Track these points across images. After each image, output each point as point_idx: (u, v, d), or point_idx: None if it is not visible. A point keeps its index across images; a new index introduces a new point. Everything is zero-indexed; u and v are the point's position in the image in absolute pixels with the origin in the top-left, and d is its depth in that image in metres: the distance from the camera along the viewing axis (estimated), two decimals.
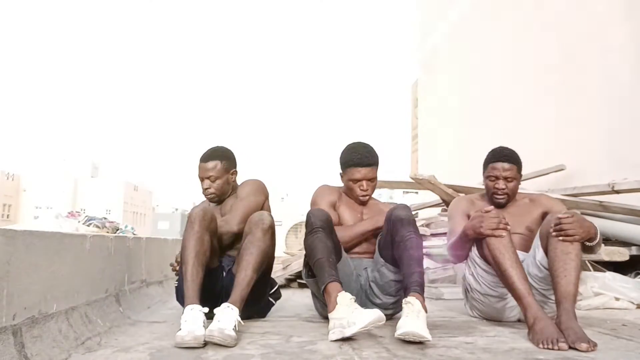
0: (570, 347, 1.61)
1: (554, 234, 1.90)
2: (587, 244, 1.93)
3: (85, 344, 1.65)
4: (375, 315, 1.71)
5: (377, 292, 2.22)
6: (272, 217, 2.10)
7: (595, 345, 1.60)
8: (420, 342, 1.69)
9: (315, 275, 2.02)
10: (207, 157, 2.34)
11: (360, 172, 2.31)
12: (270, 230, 2.06)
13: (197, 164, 2.36)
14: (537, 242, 2.05)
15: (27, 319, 1.45)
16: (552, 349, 1.61)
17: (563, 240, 1.88)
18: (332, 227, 2.08)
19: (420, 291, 1.84)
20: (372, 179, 2.34)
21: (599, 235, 1.95)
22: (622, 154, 3.96)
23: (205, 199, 2.41)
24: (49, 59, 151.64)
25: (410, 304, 1.76)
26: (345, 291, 1.84)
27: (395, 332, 1.71)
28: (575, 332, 1.65)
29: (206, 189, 2.32)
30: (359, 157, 2.32)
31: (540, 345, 1.64)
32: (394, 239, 2.03)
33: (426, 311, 1.77)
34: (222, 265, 2.23)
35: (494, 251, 1.92)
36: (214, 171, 2.31)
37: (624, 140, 3.96)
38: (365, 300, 2.23)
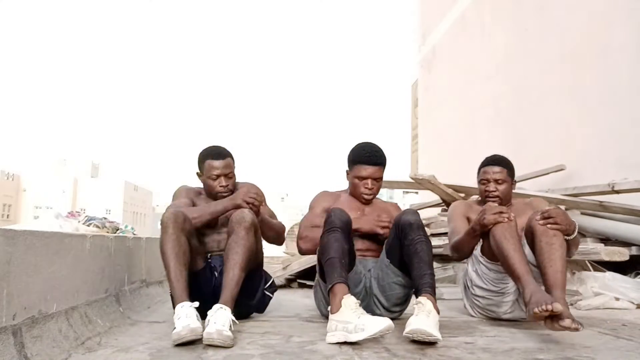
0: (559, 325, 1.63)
1: (540, 222, 1.94)
2: (566, 237, 1.96)
3: (85, 344, 1.65)
4: (386, 323, 1.66)
5: (376, 292, 2.21)
6: (252, 214, 2.08)
7: (580, 324, 1.63)
8: (429, 343, 1.67)
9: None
10: (221, 154, 2.30)
11: (367, 170, 2.33)
12: (253, 227, 2.05)
13: (207, 163, 2.28)
14: (522, 241, 2.08)
15: (27, 319, 1.45)
16: (546, 310, 1.63)
17: (551, 228, 1.92)
18: (350, 230, 2.06)
19: (432, 292, 1.84)
20: (378, 179, 2.36)
21: (576, 232, 1.99)
22: (622, 154, 3.96)
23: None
24: (50, 59, 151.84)
25: (421, 303, 1.75)
26: (352, 294, 1.81)
27: (403, 331, 1.69)
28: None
29: (226, 185, 2.29)
30: (367, 155, 2.33)
31: (536, 309, 1.65)
32: (402, 243, 2.02)
33: (438, 312, 1.76)
34: (214, 266, 2.22)
35: (499, 236, 1.95)
36: (231, 168, 2.32)
37: (624, 140, 3.96)
38: (369, 304, 2.20)
